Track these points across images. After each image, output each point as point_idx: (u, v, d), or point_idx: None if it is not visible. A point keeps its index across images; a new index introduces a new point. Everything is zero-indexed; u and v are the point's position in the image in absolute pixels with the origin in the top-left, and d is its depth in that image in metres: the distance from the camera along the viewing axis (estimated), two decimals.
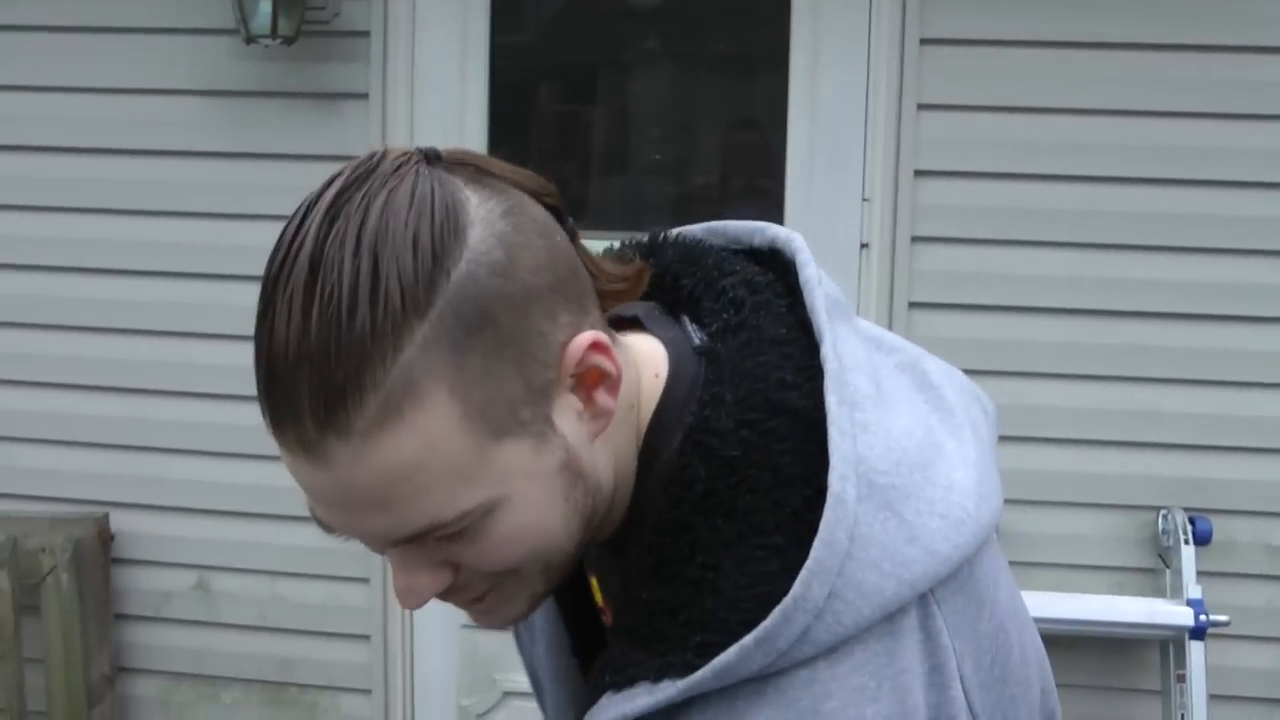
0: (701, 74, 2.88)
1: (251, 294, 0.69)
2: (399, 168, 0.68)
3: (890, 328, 2.50)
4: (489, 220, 0.69)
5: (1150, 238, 2.56)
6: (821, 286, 0.80)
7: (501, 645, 2.80)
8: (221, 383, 2.70)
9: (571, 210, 0.78)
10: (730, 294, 0.81)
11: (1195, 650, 2.48)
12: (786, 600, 0.69)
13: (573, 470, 0.73)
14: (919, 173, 2.54)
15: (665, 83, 2.91)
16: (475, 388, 0.68)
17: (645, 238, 0.89)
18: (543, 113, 2.93)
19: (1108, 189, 2.56)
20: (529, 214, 0.72)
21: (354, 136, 2.62)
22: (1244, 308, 2.56)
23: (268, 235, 0.71)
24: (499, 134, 2.67)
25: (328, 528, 0.73)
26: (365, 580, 2.79)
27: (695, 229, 0.91)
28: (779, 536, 0.71)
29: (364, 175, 0.68)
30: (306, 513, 0.74)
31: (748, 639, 0.70)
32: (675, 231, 0.90)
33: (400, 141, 2.62)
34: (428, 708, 2.86)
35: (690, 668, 0.71)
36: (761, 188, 2.73)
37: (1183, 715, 2.47)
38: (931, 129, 2.53)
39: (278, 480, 2.68)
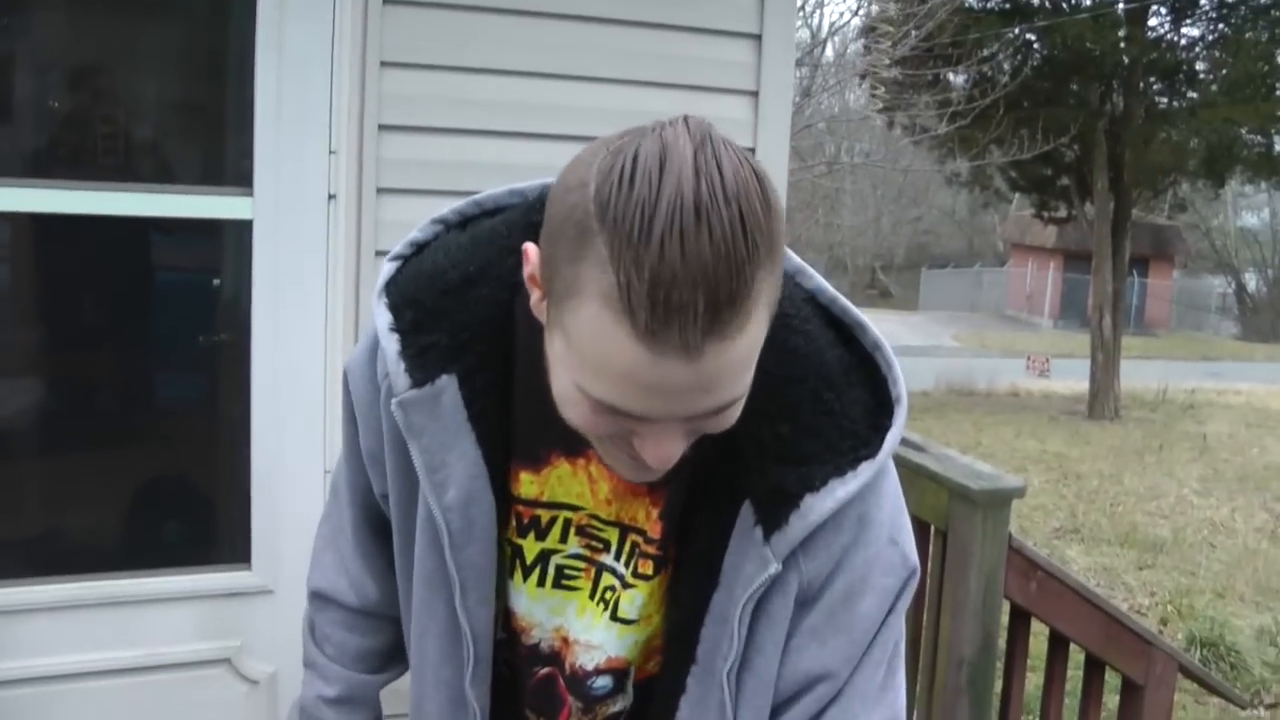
0: (110, 13, 2.74)
1: None
2: (709, 133, 0.88)
3: (359, 275, 2.60)
4: (765, 170, 0.89)
5: None
6: None
7: None
8: None
9: None
10: None
11: None
12: (901, 398, 1.06)
13: None
14: (383, 127, 2.63)
15: (81, 25, 2.73)
16: (772, 295, 0.90)
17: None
18: None
19: (556, 145, 2.79)
20: None
21: None
22: None
23: None
24: None
25: (624, 414, 0.90)
26: None
27: None
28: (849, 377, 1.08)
29: (698, 139, 0.87)
30: None
31: (895, 430, 1.05)
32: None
33: None
34: None
35: (858, 460, 1.03)
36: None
37: None
38: (394, 85, 2.64)
39: None
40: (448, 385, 1.07)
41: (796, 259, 1.10)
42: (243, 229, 2.58)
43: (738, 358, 0.88)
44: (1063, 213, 18.82)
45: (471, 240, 1.14)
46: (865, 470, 1.03)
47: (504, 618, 1.19)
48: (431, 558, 1.14)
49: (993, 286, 35.52)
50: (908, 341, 23.70)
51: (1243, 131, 16.15)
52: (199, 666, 2.66)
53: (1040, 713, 3.20)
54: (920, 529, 2.89)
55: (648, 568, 1.10)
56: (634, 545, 1.11)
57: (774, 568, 1.03)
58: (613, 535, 1.12)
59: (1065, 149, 15.66)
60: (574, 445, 1.07)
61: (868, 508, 1.07)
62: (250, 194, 2.56)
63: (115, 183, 2.57)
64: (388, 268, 1.16)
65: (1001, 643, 2.81)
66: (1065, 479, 11.74)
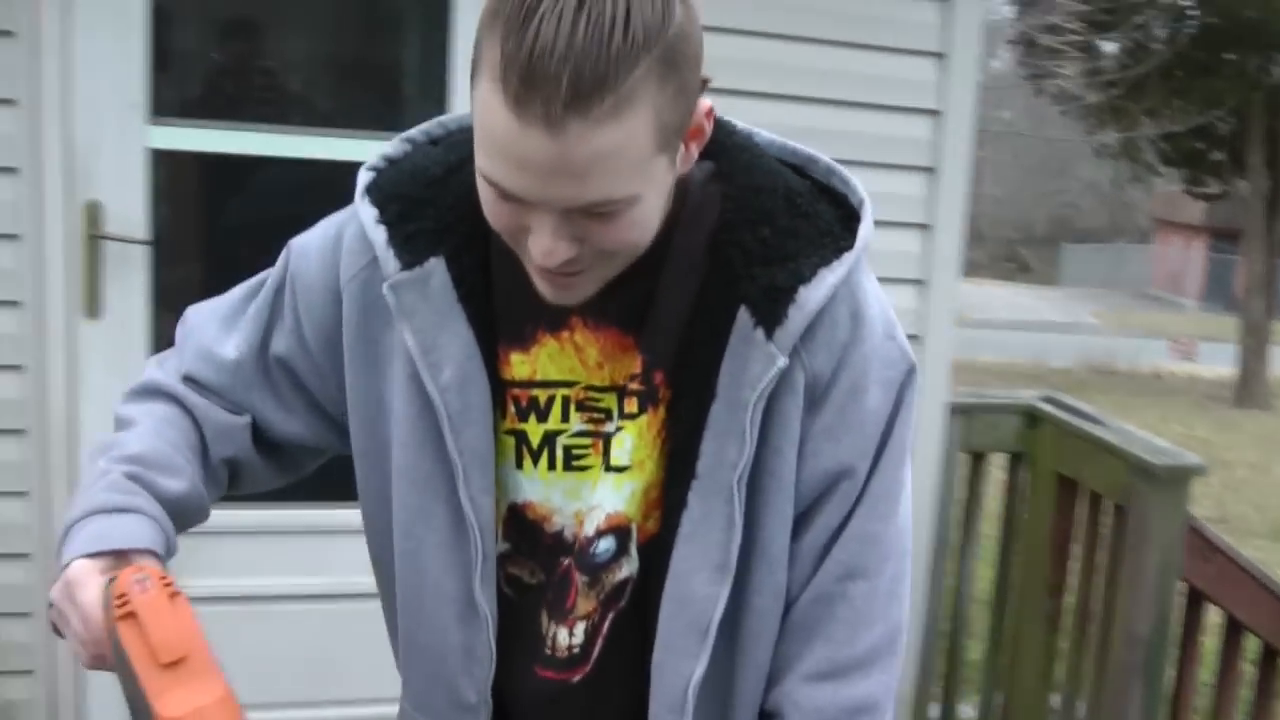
0: None
1: None
2: None
3: None
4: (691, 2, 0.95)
5: None
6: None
7: None
8: None
9: None
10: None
11: None
12: (864, 202, 1.11)
13: (669, 194, 1.03)
14: None
15: None
16: (663, 111, 0.93)
17: None
18: None
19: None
20: None
21: None
22: None
23: None
24: None
25: (510, 196, 0.95)
26: (28, 615, 2.61)
27: None
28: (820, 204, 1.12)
29: None
30: None
31: (866, 224, 1.10)
32: None
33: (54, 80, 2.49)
34: None
35: (840, 250, 1.08)
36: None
37: None
38: None
39: None
40: (436, 267, 1.10)
41: (741, 124, 1.16)
42: None
43: (609, 147, 0.91)
44: (1214, 189, 18.16)
45: (446, 147, 1.16)
46: (848, 259, 1.08)
47: (504, 526, 1.16)
48: (426, 454, 1.12)
49: (1134, 264, 34.52)
50: (1047, 317, 23.20)
51: None
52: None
53: (1214, 702, 3.10)
54: (1092, 501, 2.83)
55: (633, 405, 1.12)
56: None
57: (781, 361, 1.06)
58: (611, 401, 1.12)
59: (1220, 122, 15.09)
60: (556, 320, 1.10)
61: (858, 303, 1.10)
62: None
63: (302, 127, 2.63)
64: (366, 175, 1.16)
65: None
66: (1212, 467, 11.34)
